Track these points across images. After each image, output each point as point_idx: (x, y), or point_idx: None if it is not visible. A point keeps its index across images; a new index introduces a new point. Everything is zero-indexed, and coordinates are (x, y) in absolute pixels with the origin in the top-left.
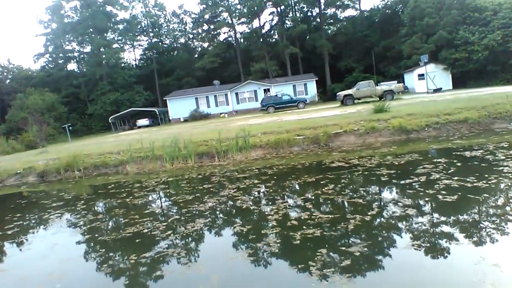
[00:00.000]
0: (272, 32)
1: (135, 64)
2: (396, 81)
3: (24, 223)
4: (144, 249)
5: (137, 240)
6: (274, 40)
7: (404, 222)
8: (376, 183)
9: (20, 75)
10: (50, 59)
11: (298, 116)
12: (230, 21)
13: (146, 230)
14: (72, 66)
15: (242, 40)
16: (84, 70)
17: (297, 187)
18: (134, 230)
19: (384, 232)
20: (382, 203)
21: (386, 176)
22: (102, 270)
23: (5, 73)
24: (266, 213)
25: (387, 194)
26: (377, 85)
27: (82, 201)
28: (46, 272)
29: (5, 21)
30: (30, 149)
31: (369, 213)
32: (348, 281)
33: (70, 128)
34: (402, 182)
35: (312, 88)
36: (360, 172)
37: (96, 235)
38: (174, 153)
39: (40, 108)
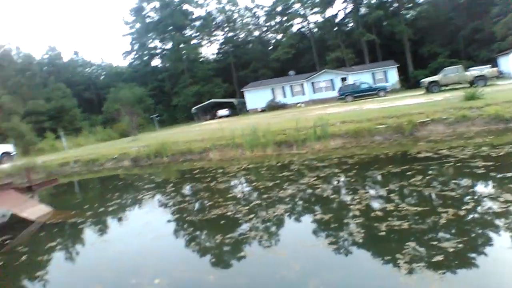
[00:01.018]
0: (347, 20)
1: (213, 58)
2: (489, 66)
3: (122, 202)
4: (227, 231)
5: (221, 222)
6: (349, 28)
7: (503, 220)
8: (471, 176)
9: (112, 71)
10: (136, 56)
11: (379, 104)
12: (302, 12)
13: (229, 213)
14: (156, 62)
15: (316, 29)
16: (167, 65)
17: (380, 177)
18: (219, 212)
19: (480, 229)
20: (478, 198)
21: (482, 169)
22: (189, 247)
23: (99, 71)
24: (348, 202)
25: (483, 188)
26: (466, 71)
27: (171, 184)
28: (141, 246)
29: (96, 24)
30: (123, 137)
31: (463, 208)
32: (440, 278)
33: (158, 118)
34: (501, 175)
35: (393, 75)
36: (452, 163)
37: (184, 215)
38: (253, 141)
39: (130, 100)
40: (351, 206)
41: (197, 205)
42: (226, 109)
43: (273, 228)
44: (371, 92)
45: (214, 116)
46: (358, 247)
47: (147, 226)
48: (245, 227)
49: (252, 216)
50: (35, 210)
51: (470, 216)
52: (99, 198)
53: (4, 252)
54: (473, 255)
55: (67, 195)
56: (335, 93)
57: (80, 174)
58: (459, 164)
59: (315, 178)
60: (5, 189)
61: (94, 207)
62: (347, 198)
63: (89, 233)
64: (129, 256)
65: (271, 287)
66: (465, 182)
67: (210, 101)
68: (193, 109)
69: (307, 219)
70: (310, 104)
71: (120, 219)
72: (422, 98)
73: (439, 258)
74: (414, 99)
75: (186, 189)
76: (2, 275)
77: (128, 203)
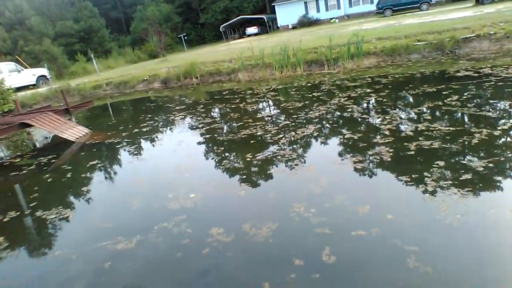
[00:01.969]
0: None
1: None
2: None
3: (155, 123)
4: (257, 150)
5: (251, 142)
6: None
7: None
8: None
9: None
10: None
11: (420, 19)
12: None
13: (259, 133)
14: None
15: None
16: None
17: (414, 97)
18: (248, 132)
19: None
20: None
21: None
22: (221, 165)
23: None
24: (378, 123)
25: None
26: None
27: (201, 105)
28: (175, 163)
29: None
30: (152, 58)
31: (498, 129)
32: (465, 196)
33: (185, 38)
34: None
35: None
36: (493, 82)
37: (215, 135)
38: (283, 61)
39: (157, 18)
40: (382, 126)
41: (227, 126)
42: (256, 26)
43: (302, 148)
44: (412, 6)
45: (243, 34)
46: (386, 166)
47: (180, 145)
48: (274, 146)
49: (281, 136)
50: (74, 131)
51: (504, 138)
52: (133, 120)
53: (51, 170)
54: (501, 177)
55: (101, 117)
56: (373, 7)
57: (113, 97)
58: (500, 83)
59: (346, 98)
60: (45, 112)
61: (129, 128)
62: (378, 119)
63: (125, 152)
64: (165, 172)
65: (299, 200)
66: (504, 103)
67: (238, 18)
68: (222, 27)
69: (335, 139)
70: (345, 20)
71: (154, 139)
72: (470, 11)
73: (467, 177)
74: (460, 13)
75: (216, 110)
76: (52, 190)
77: (160, 124)
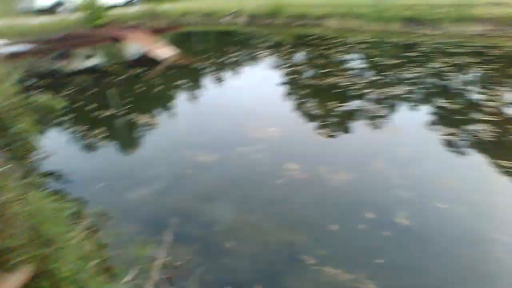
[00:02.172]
0: None
1: None
2: None
3: (239, 56)
4: (341, 100)
5: (335, 91)
6: None
7: None
8: None
9: None
10: None
11: None
12: None
13: (343, 84)
14: None
15: None
16: None
17: None
18: (333, 81)
19: None
20: None
21: None
22: (303, 107)
23: None
24: (480, 98)
25: None
26: None
27: (287, 47)
28: (258, 96)
29: None
30: None
31: None
32: None
33: None
34: None
35: None
36: None
37: (299, 78)
38: (377, 13)
39: None
40: (483, 102)
41: (311, 71)
42: None
43: (389, 107)
44: None
45: None
46: (481, 146)
47: (262, 81)
48: (359, 100)
49: (367, 91)
50: (164, 50)
51: None
52: (218, 50)
53: (144, 80)
54: None
55: (187, 43)
56: None
57: (198, 26)
58: None
59: (445, 64)
60: (139, 29)
61: (214, 57)
62: (480, 94)
63: (210, 78)
64: (247, 103)
65: (380, 158)
66: None
67: None
68: None
69: (428, 105)
70: None
71: (238, 71)
72: None
73: None
74: None
75: (301, 54)
76: (143, 99)
77: (245, 58)
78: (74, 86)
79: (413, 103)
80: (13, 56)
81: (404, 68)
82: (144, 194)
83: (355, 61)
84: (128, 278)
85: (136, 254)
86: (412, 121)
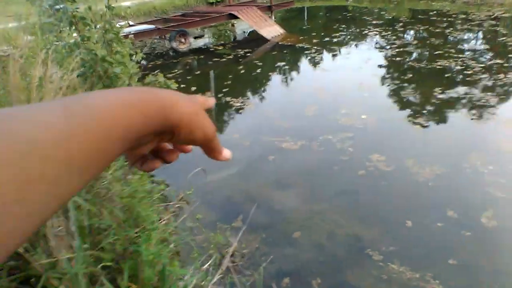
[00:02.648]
0: None
1: None
2: None
3: (347, 35)
4: (448, 86)
5: (445, 75)
6: None
7: None
8: None
9: None
10: None
11: None
12: None
13: (457, 67)
14: None
15: None
16: None
17: None
18: (445, 64)
19: None
20: None
21: None
22: (403, 93)
23: None
24: None
25: None
26: None
27: (401, 24)
28: (357, 81)
29: None
30: None
31: None
32: None
33: None
34: None
35: None
36: None
37: (407, 60)
38: None
39: None
40: None
41: (423, 51)
42: None
43: (501, 96)
44: None
45: None
46: None
47: (367, 62)
48: (470, 86)
49: (484, 76)
50: (271, 30)
51: None
52: (326, 28)
53: (245, 63)
54: None
55: (297, 20)
56: None
57: (312, 1)
58: None
59: None
60: (251, 6)
61: (320, 36)
62: None
63: (312, 60)
64: (344, 87)
65: (478, 152)
66: None
67: None
68: None
69: None
70: None
71: (342, 52)
72: None
73: None
74: None
75: (415, 32)
76: (242, 80)
77: (352, 37)
78: (182, 67)
79: None
80: (136, 36)
81: None
82: (224, 178)
83: (477, 41)
84: (200, 263)
85: (210, 240)
86: None
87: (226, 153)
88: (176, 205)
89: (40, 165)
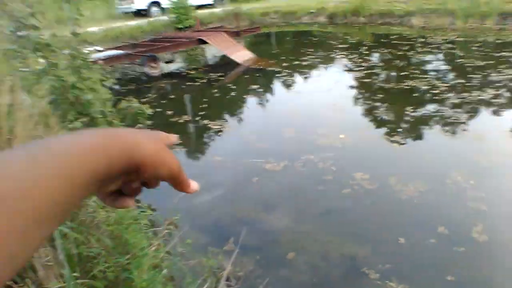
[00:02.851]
0: None
1: None
2: None
3: (315, 58)
4: (418, 105)
5: (413, 95)
6: None
7: None
8: None
9: None
10: None
11: None
12: None
13: (423, 87)
14: None
15: None
16: None
17: None
18: (411, 84)
19: None
20: None
21: None
22: (376, 112)
23: None
24: None
25: None
26: None
27: (365, 47)
28: (329, 102)
29: None
30: None
31: None
32: None
33: None
34: None
35: None
36: None
37: (375, 81)
38: (470, 9)
39: None
40: None
41: (389, 73)
42: None
43: (472, 113)
44: None
45: None
46: None
47: (337, 84)
48: (438, 104)
49: (449, 95)
50: (241, 54)
51: None
52: (294, 52)
53: (218, 87)
54: None
55: (265, 44)
56: None
57: (278, 26)
58: None
59: None
60: (220, 32)
61: (289, 59)
62: None
63: (284, 83)
64: (318, 108)
65: (458, 168)
66: None
67: None
68: None
69: None
70: None
71: (311, 74)
72: None
73: None
74: None
75: (380, 55)
76: (217, 104)
77: (320, 60)
78: (155, 91)
79: (502, 109)
80: (106, 61)
81: (496, 69)
82: (209, 201)
83: (438, 62)
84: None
85: (203, 264)
86: (496, 128)
87: (194, 185)
88: (165, 230)
89: (8, 220)
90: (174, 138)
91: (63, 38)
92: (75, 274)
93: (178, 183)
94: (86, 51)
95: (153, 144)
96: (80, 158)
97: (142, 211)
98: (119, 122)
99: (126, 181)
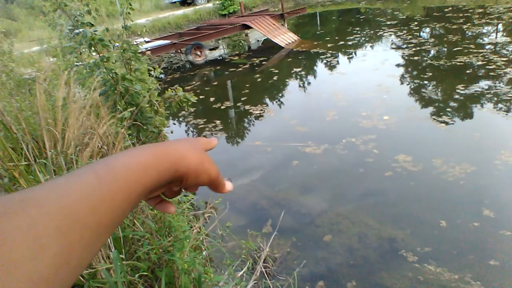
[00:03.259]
0: None
1: None
2: None
3: (361, 37)
4: (470, 82)
5: (466, 71)
6: None
7: None
8: None
9: None
10: None
11: None
12: None
13: (478, 63)
14: None
15: None
16: None
17: None
18: (465, 60)
19: None
20: None
21: None
22: (424, 92)
23: None
24: None
25: None
26: None
27: (415, 22)
28: (375, 82)
29: None
30: None
31: None
32: None
33: None
34: None
35: None
36: None
37: (424, 57)
38: None
39: None
40: None
41: (441, 49)
42: None
43: None
44: None
45: None
46: None
47: (384, 63)
48: (493, 81)
49: (507, 70)
50: (285, 37)
51: None
52: (340, 32)
53: (261, 71)
54: None
55: (310, 25)
56: None
57: (324, 5)
58: None
59: None
60: (263, 16)
61: (335, 40)
62: None
63: (328, 64)
64: (363, 89)
65: (509, 148)
66: None
67: None
68: None
69: None
70: None
71: (358, 54)
72: None
73: None
74: None
75: (432, 30)
76: (259, 88)
77: (367, 39)
78: (199, 78)
79: None
80: (153, 52)
81: None
82: (249, 184)
83: (497, 34)
84: (234, 269)
85: (241, 246)
86: None
87: (228, 186)
88: (206, 214)
89: (80, 235)
90: (215, 142)
91: (115, 32)
92: (121, 256)
93: (215, 186)
94: (135, 43)
95: (196, 157)
96: (137, 177)
97: (184, 195)
98: (164, 111)
99: (168, 186)
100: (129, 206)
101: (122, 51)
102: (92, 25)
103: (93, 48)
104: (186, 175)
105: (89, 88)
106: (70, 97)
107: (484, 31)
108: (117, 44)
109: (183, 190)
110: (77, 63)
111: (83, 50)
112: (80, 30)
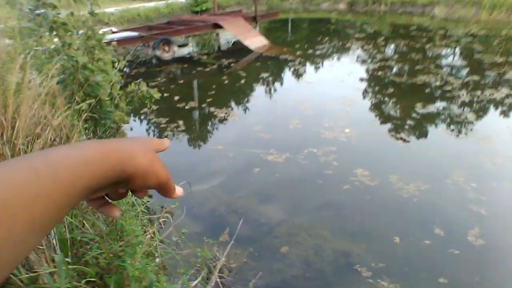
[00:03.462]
0: None
1: None
2: None
3: (330, 48)
4: (428, 101)
5: (425, 91)
6: None
7: None
8: None
9: None
10: None
11: None
12: None
13: (436, 83)
14: None
15: None
16: None
17: None
18: (424, 79)
19: None
20: None
21: None
22: (385, 107)
23: None
24: None
25: None
26: None
27: (382, 38)
28: (340, 94)
29: None
30: None
31: None
32: None
33: None
34: None
35: None
36: None
37: (388, 74)
38: None
39: None
40: None
41: (403, 66)
42: None
43: (482, 112)
44: None
45: None
46: None
47: (349, 76)
48: (449, 102)
49: (462, 92)
50: (255, 40)
51: None
52: (310, 40)
53: (228, 73)
54: None
55: (281, 31)
56: None
57: (296, 12)
58: None
59: None
60: (236, 16)
61: (304, 48)
62: None
63: (295, 72)
64: (327, 100)
65: (461, 169)
66: None
67: None
68: None
69: None
70: None
71: (325, 64)
72: None
73: None
74: None
75: (396, 47)
76: (226, 91)
77: (335, 50)
78: (165, 75)
79: (510, 109)
80: (119, 43)
81: (511, 68)
82: (208, 190)
83: (455, 57)
84: (188, 278)
85: (197, 254)
86: (504, 130)
87: (178, 191)
88: (161, 218)
89: (7, 228)
90: (167, 143)
91: (80, 18)
92: (67, 259)
93: (164, 191)
94: (101, 32)
95: (145, 157)
96: (77, 172)
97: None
98: (125, 105)
99: (114, 187)
100: (68, 204)
101: (86, 38)
102: (55, 6)
103: (54, 32)
104: (134, 176)
105: (46, 75)
106: (25, 83)
107: (444, 53)
108: (82, 31)
109: (131, 193)
110: (36, 48)
111: (44, 33)
112: (42, 11)
